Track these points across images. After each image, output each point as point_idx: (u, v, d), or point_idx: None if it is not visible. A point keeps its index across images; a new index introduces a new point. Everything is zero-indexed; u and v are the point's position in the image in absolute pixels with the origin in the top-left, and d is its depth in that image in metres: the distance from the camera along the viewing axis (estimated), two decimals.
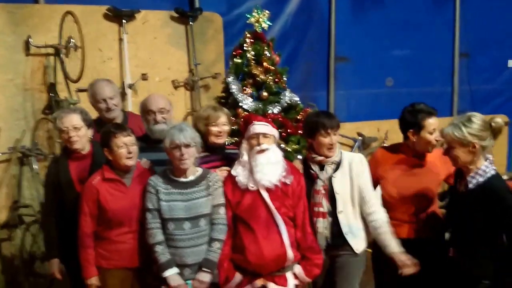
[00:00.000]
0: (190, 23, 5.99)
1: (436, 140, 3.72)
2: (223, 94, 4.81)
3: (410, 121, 3.74)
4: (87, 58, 5.23)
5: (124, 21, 5.69)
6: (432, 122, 3.69)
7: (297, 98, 4.61)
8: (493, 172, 3.23)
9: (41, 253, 5.00)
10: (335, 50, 7.00)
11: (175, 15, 6.00)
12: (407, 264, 3.52)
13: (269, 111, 4.40)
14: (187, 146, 3.42)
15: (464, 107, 7.64)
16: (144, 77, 5.68)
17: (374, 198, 3.71)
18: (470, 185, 3.21)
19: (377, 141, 6.87)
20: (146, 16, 5.90)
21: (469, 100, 7.71)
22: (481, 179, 3.19)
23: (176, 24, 6.05)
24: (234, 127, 4.14)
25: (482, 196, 3.17)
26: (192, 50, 6.03)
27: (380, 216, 3.64)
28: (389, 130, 6.93)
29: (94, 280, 3.56)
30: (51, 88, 5.39)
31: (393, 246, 3.57)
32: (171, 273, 3.40)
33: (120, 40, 5.77)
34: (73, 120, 3.70)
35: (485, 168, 3.21)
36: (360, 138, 6.63)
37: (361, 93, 7.14)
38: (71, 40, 5.28)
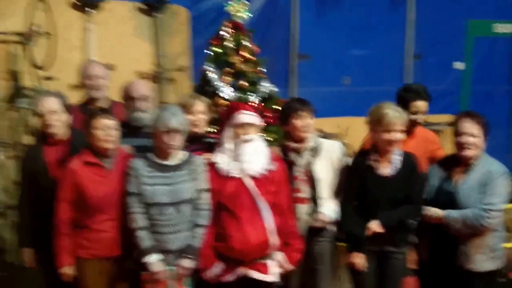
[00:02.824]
0: (157, 15, 5.86)
1: (419, 122, 3.79)
2: (192, 86, 4.74)
3: (399, 98, 3.84)
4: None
5: (90, 11, 5.52)
6: (416, 104, 3.80)
7: (275, 89, 4.58)
8: None
9: (9, 245, 4.77)
10: (297, 48, 6.99)
11: (142, 6, 5.87)
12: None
13: (248, 101, 4.34)
14: (178, 131, 3.30)
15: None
16: (110, 67, 5.50)
17: None
18: (396, 164, 3.52)
19: (337, 137, 6.91)
20: (112, 6, 5.73)
21: None
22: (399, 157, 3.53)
23: (142, 16, 5.90)
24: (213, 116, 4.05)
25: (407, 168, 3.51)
26: (158, 42, 5.90)
27: None
28: (349, 127, 7.02)
29: (67, 270, 3.38)
30: (15, 76, 5.16)
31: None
32: (153, 259, 3.28)
33: (87, 30, 5.59)
34: (52, 104, 3.53)
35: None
36: (322, 134, 6.65)
37: (321, 91, 7.09)
38: (38, 28, 5.08)
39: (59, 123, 3.56)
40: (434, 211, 3.49)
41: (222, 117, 3.63)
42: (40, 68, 5.08)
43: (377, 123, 3.48)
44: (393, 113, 3.43)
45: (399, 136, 3.46)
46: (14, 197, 4.89)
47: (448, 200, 3.50)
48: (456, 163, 3.56)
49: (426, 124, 7.64)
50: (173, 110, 3.38)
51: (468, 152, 3.45)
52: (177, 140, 3.31)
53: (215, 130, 4.07)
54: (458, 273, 3.50)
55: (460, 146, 3.47)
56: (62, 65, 5.41)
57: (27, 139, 5.06)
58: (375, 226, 3.48)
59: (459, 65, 8.11)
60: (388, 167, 3.53)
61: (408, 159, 3.56)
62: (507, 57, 8.21)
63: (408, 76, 7.88)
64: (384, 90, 7.45)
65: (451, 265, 3.50)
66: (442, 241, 3.53)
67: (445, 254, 3.52)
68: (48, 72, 5.13)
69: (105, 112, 3.44)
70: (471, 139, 3.44)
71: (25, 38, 5.11)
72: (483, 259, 3.47)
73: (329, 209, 3.62)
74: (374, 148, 3.57)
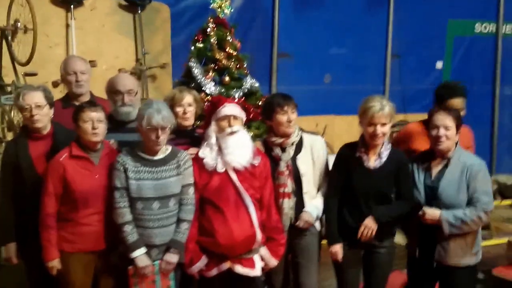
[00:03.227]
0: (139, 11, 5.90)
1: None
2: (176, 82, 4.78)
3: (435, 95, 3.93)
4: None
5: (71, 6, 5.53)
6: (452, 102, 3.83)
7: (257, 85, 4.65)
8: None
9: None
10: (278, 46, 7.07)
11: (124, 3, 5.91)
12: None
13: (231, 96, 4.40)
14: (164, 128, 3.33)
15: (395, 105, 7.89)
16: (92, 64, 5.49)
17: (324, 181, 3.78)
18: (384, 158, 3.56)
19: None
20: (94, 2, 5.77)
21: (400, 99, 7.97)
22: (388, 151, 3.57)
23: (124, 12, 5.96)
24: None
25: (395, 163, 3.56)
26: (140, 39, 5.93)
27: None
28: (327, 125, 7.12)
29: (55, 263, 3.39)
30: None
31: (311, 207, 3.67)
32: (139, 253, 3.30)
33: (67, 26, 5.60)
34: (36, 97, 3.51)
35: (388, 141, 3.65)
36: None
37: (301, 89, 7.15)
38: (18, 23, 5.07)
39: (44, 117, 3.56)
40: (431, 212, 3.51)
41: (206, 111, 3.66)
42: (21, 64, 5.06)
43: (362, 116, 3.54)
44: (377, 107, 3.48)
45: (383, 129, 3.50)
46: None
47: (428, 195, 3.57)
48: (432, 157, 3.63)
49: (404, 124, 7.83)
50: (158, 106, 3.37)
51: (443, 146, 3.52)
52: (163, 137, 3.34)
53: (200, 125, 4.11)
54: (439, 268, 3.58)
55: (435, 139, 3.54)
56: (42, 61, 5.42)
57: (8, 135, 5.05)
58: (370, 223, 3.52)
59: (439, 65, 8.26)
60: (374, 160, 3.59)
61: (397, 155, 3.62)
62: (488, 56, 8.38)
63: (389, 76, 8.02)
64: (365, 89, 7.63)
65: (432, 260, 3.58)
66: (423, 237, 3.61)
67: (426, 249, 3.60)
68: (28, 68, 5.10)
69: (93, 105, 3.46)
70: (445, 132, 3.50)
71: (6, 33, 5.08)
72: (463, 255, 3.55)
73: (313, 207, 3.68)
74: (362, 141, 3.63)
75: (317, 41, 7.32)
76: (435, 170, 3.60)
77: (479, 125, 7.85)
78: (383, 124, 3.49)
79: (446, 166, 3.57)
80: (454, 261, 3.54)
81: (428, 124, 3.78)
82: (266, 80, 7.11)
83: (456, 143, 3.57)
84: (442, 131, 3.49)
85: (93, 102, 3.54)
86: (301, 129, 3.84)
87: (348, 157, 3.64)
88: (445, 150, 3.54)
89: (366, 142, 3.59)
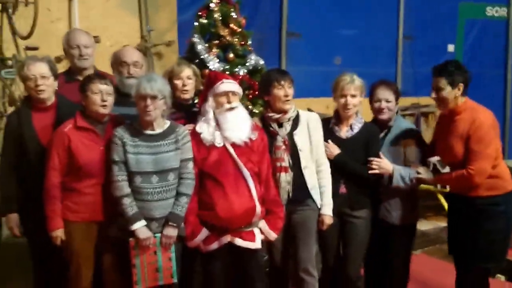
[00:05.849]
0: None
1: None
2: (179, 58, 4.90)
3: None
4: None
5: None
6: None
7: (262, 62, 4.80)
8: None
9: None
10: (287, 26, 7.19)
11: None
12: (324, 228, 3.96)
13: (236, 73, 4.56)
14: (153, 97, 3.47)
15: (406, 88, 7.99)
16: (96, 39, 5.61)
17: (324, 156, 3.99)
18: (356, 129, 4.00)
19: None
20: None
21: (412, 81, 8.09)
22: (360, 124, 4.01)
23: None
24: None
25: (366, 134, 3.99)
26: (145, 15, 6.06)
27: (326, 175, 3.97)
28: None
29: (59, 233, 3.57)
30: None
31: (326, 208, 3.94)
32: (139, 225, 3.46)
33: (70, 0, 5.74)
34: (41, 68, 3.68)
35: (361, 116, 4.07)
36: None
37: (311, 70, 7.32)
38: None
39: (49, 88, 3.72)
40: (385, 163, 3.94)
41: (204, 87, 3.85)
42: (22, 37, 5.21)
43: (335, 90, 4.05)
44: (347, 80, 3.98)
45: (354, 101, 3.94)
46: None
47: None
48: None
49: (416, 107, 7.93)
50: (150, 76, 3.58)
51: (384, 116, 4.04)
52: (153, 107, 3.48)
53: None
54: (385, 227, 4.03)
55: (378, 110, 4.05)
56: (44, 35, 5.55)
57: (9, 110, 5.21)
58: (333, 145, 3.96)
59: (451, 48, 8.34)
60: (346, 131, 4.03)
61: (369, 127, 4.07)
62: (499, 40, 8.45)
63: (400, 58, 8.11)
64: (376, 71, 7.70)
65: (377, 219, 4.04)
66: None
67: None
68: (29, 42, 5.25)
69: (103, 77, 3.64)
70: (386, 104, 4.01)
71: (7, 6, 5.22)
72: (404, 214, 4.02)
73: (328, 206, 3.92)
74: (336, 114, 4.12)
75: (327, 21, 7.41)
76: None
77: (490, 109, 7.96)
78: (353, 96, 3.93)
79: (386, 134, 4.04)
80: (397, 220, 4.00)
81: None
82: (275, 60, 7.20)
83: (397, 112, 4.16)
84: (384, 104, 3.98)
85: (102, 75, 3.72)
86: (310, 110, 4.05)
87: (323, 130, 4.02)
88: (386, 120, 4.02)
89: (339, 115, 4.02)
